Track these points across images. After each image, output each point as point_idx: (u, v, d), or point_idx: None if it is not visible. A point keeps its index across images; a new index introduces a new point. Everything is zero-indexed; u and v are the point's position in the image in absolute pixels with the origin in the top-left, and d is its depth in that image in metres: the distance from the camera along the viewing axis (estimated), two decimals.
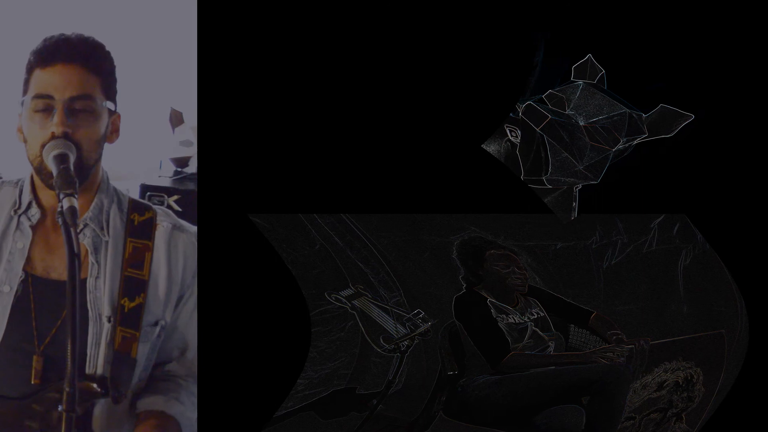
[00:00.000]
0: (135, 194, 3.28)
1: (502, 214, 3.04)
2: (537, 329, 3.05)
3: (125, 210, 2.63)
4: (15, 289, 2.54)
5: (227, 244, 3.02)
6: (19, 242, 2.56)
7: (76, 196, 2.37)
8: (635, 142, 2.86)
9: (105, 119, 2.57)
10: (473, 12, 2.95)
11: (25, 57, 2.56)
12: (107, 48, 2.60)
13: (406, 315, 3.04)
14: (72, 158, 2.45)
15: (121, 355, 2.54)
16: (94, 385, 2.51)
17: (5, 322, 2.53)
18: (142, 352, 2.59)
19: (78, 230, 2.42)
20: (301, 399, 3.03)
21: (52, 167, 2.43)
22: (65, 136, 2.47)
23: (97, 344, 2.53)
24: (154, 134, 3.79)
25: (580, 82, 2.90)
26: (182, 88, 3.48)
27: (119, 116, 2.63)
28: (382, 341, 3.04)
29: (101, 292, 2.56)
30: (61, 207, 2.34)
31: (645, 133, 2.84)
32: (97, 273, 2.56)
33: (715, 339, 3.01)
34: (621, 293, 3.08)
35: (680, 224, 3.04)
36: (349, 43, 2.99)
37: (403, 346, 3.04)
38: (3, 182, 2.64)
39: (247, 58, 3.02)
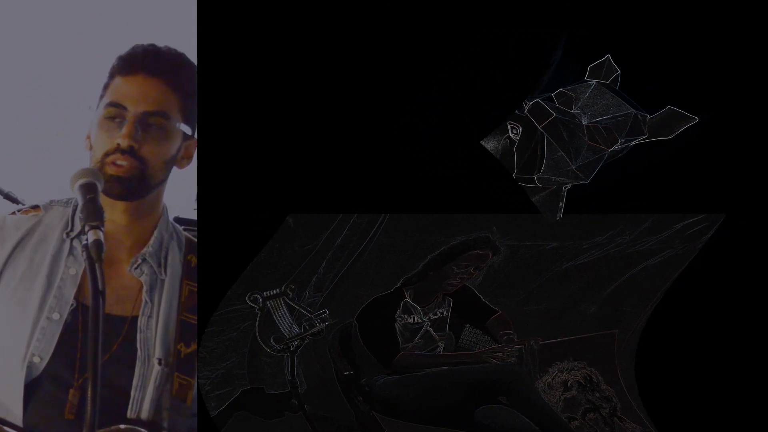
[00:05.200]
0: None
1: (526, 215, 2.95)
2: (431, 329, 3.08)
3: (183, 249, 2.57)
4: (65, 317, 2.43)
5: (227, 245, 2.93)
6: (72, 268, 2.46)
7: (102, 228, 2.23)
8: (633, 142, 2.86)
9: (177, 141, 2.51)
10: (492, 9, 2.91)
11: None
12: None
13: (307, 315, 3.02)
14: (99, 188, 2.33)
15: (177, 403, 2.47)
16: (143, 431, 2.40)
17: (51, 351, 2.41)
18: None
19: (136, 264, 2.46)
20: (218, 398, 2.99)
21: (77, 197, 2.30)
22: (130, 150, 2.41)
23: (143, 387, 2.46)
24: None
25: (593, 81, 2.90)
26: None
27: (195, 142, 2.56)
28: (272, 341, 3.01)
29: (152, 332, 2.48)
30: (86, 240, 2.20)
31: (645, 134, 2.84)
32: (150, 312, 2.49)
33: (604, 339, 3.10)
34: (547, 293, 3.09)
35: (704, 226, 3.01)
36: (364, 42, 2.90)
37: (293, 346, 3.02)
38: (52, 202, 2.53)
39: (247, 58, 2.93)
